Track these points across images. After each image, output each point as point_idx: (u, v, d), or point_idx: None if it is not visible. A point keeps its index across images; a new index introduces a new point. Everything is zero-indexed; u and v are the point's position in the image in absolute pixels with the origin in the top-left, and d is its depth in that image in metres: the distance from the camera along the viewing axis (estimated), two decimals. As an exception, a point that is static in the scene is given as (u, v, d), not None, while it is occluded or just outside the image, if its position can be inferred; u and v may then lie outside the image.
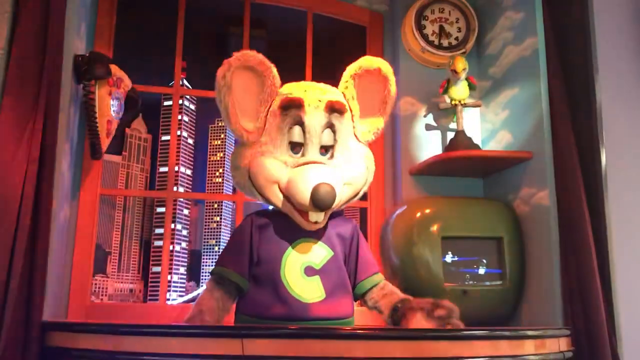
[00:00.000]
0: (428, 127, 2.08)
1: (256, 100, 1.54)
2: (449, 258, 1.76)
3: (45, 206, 1.32)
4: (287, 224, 1.52)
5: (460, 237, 1.78)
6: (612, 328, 1.57)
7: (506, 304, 1.79)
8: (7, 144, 1.28)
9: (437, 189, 2.02)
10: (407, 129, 2.06)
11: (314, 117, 1.50)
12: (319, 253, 1.52)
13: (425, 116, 2.08)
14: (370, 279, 1.58)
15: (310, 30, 2.20)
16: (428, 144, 2.06)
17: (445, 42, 2.08)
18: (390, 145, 2.13)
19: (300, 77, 2.09)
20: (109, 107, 1.66)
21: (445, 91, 1.97)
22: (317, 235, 1.53)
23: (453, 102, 1.96)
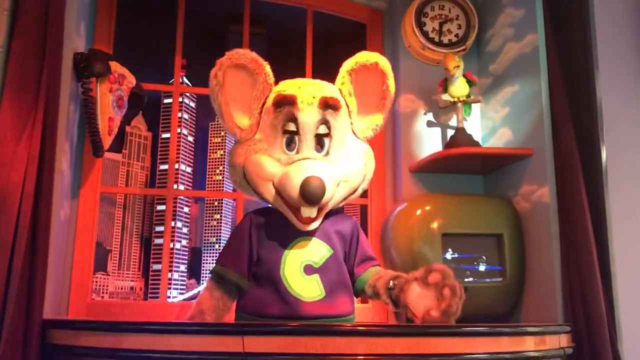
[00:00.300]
0: (428, 124, 2.08)
1: (250, 98, 1.54)
2: (449, 255, 1.76)
3: (46, 204, 1.32)
4: (287, 222, 1.52)
5: (460, 234, 1.78)
6: (612, 324, 1.57)
7: (506, 301, 1.79)
8: (6, 142, 1.28)
9: (438, 186, 2.02)
10: (407, 126, 2.06)
11: (308, 113, 1.49)
12: (319, 251, 1.52)
13: (425, 113, 2.08)
14: (369, 271, 1.57)
15: (310, 28, 2.20)
16: (428, 141, 2.06)
17: (445, 39, 2.08)
18: (390, 143, 2.13)
19: (301, 74, 2.08)
20: (110, 104, 1.66)
21: (445, 90, 1.96)
22: (316, 233, 1.53)
23: (453, 100, 1.95)
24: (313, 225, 1.49)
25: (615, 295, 1.60)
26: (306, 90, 1.52)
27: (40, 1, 1.38)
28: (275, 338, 1.15)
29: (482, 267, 1.79)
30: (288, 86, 1.54)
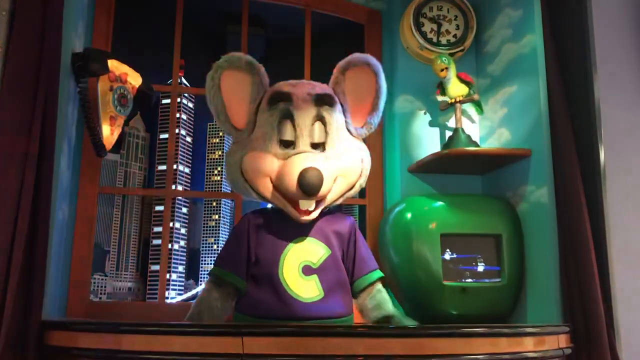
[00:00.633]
0: (426, 124, 2.08)
1: (245, 99, 1.57)
2: (447, 255, 1.76)
3: (44, 205, 1.32)
4: (285, 223, 1.52)
5: (459, 235, 1.78)
6: (610, 324, 1.57)
7: (505, 301, 1.79)
8: (5, 143, 1.28)
9: (436, 186, 2.02)
10: (406, 126, 2.06)
11: (303, 109, 1.51)
12: (317, 252, 1.52)
13: (425, 113, 2.08)
14: (367, 276, 1.59)
15: (309, 28, 2.20)
16: (426, 141, 2.06)
17: (443, 40, 2.08)
18: (388, 143, 2.13)
19: (299, 74, 2.09)
20: (112, 103, 1.66)
21: (443, 92, 1.96)
22: (314, 233, 1.54)
23: (450, 101, 1.95)
24: (312, 215, 1.50)
25: (613, 296, 1.61)
26: (301, 88, 1.54)
27: (38, 1, 1.38)
28: (275, 339, 1.15)
29: (480, 268, 1.79)
30: (283, 85, 1.57)
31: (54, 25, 1.40)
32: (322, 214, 1.56)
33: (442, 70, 1.92)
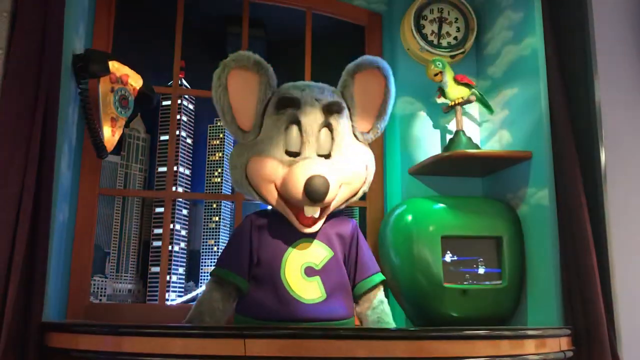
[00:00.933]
0: (427, 127, 2.08)
1: (253, 100, 1.54)
2: (448, 257, 1.76)
3: (45, 206, 1.32)
4: (287, 224, 1.52)
5: (459, 237, 1.78)
6: (611, 327, 1.57)
7: (506, 304, 1.79)
8: (5, 144, 1.28)
9: (437, 189, 2.02)
10: (406, 128, 2.06)
11: (311, 116, 1.50)
12: (319, 253, 1.52)
13: (424, 115, 2.08)
14: (369, 279, 1.58)
15: (309, 30, 2.20)
16: (427, 144, 2.06)
17: (444, 42, 2.08)
18: (389, 145, 2.13)
19: (300, 76, 2.08)
20: (113, 104, 1.66)
21: (444, 95, 1.96)
22: (317, 235, 1.53)
23: (450, 104, 1.96)
24: (315, 228, 1.49)
25: (614, 298, 1.60)
26: (309, 93, 1.53)
27: (39, 2, 1.38)
28: (277, 341, 1.15)
29: (481, 270, 1.79)
30: (291, 89, 1.55)
31: (55, 26, 1.40)
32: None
33: (436, 75, 1.92)
